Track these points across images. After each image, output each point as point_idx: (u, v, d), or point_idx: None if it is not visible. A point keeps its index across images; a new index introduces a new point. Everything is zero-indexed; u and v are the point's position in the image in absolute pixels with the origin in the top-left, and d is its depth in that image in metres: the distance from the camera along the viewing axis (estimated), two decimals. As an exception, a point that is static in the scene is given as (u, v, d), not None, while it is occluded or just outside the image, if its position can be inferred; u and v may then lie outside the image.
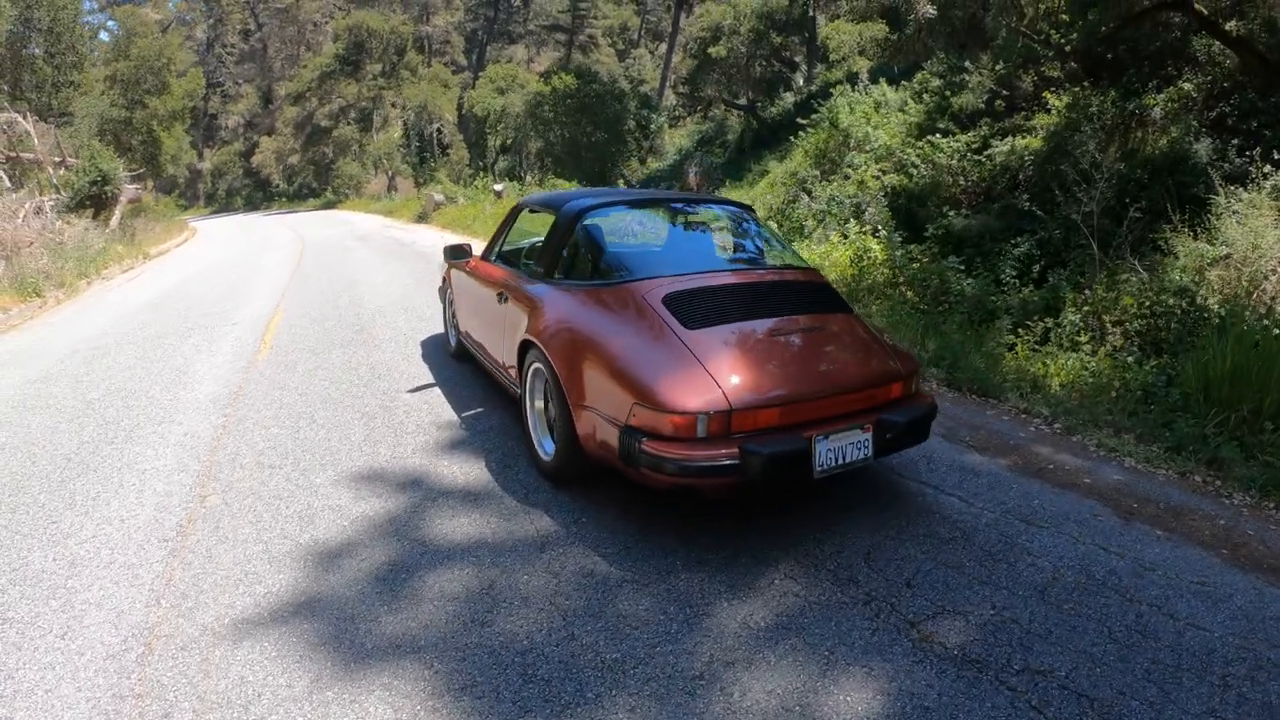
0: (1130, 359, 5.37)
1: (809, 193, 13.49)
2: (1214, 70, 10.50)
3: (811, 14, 21.71)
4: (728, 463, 2.69)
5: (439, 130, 38.92)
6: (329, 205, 37.84)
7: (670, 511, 3.32)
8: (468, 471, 3.80)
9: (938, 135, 13.60)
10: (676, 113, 29.52)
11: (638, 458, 2.77)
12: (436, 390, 5.11)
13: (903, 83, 15.79)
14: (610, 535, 3.18)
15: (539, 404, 3.74)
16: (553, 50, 46.34)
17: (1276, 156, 8.90)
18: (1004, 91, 13.40)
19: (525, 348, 3.69)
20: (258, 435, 4.49)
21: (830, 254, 9.01)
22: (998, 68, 13.24)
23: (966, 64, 13.70)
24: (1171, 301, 5.51)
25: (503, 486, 3.65)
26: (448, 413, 4.65)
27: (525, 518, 3.35)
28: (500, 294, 4.25)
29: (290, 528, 3.34)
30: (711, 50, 21.91)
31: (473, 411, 4.68)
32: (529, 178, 27.29)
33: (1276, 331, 4.23)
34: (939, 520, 3.45)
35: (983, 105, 13.66)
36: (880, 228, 9.31)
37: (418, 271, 11.29)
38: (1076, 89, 11.83)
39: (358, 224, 24.18)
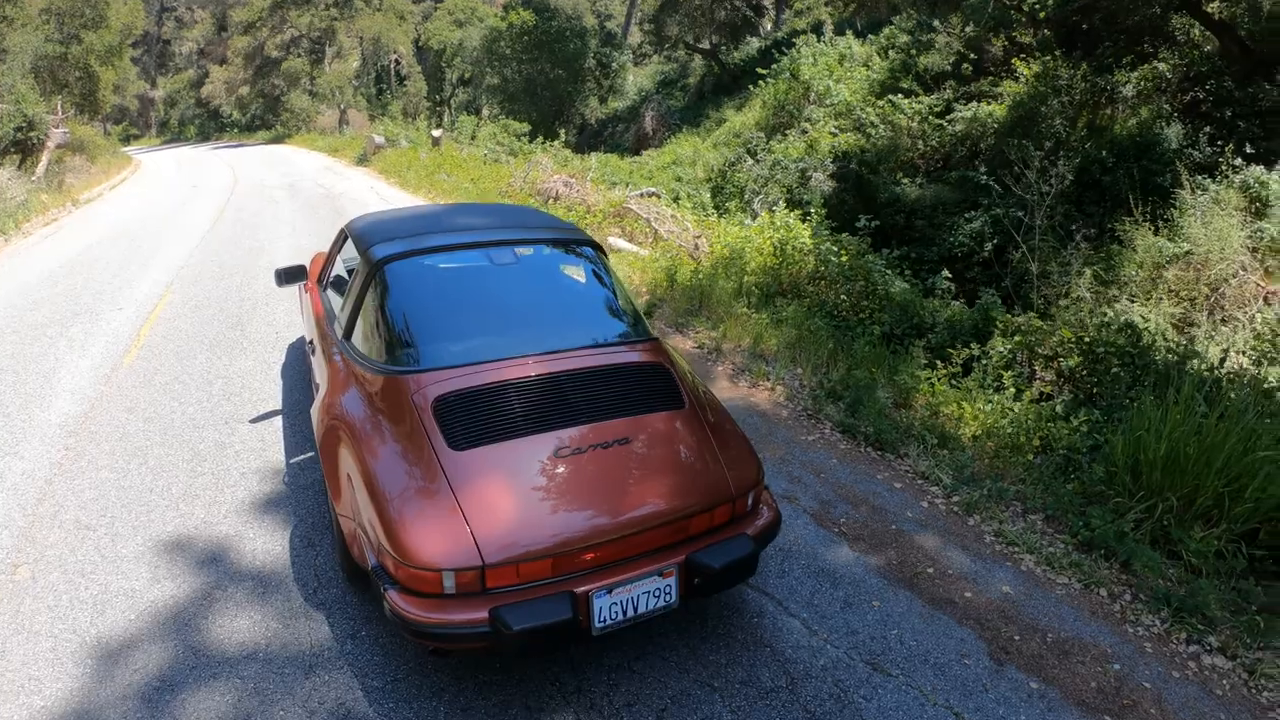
0: (1059, 407, 5.08)
1: (753, 154, 13.08)
2: (1192, 53, 10.38)
3: None
4: (474, 630, 2.51)
5: (396, 62, 40.41)
6: (278, 139, 39.51)
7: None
8: (270, 547, 3.77)
9: (900, 95, 13.33)
10: (642, 50, 30.72)
11: (383, 600, 2.64)
12: (278, 421, 5.07)
13: (869, 37, 15.61)
14: (383, 660, 3.04)
15: None
16: None
17: (1249, 150, 8.84)
18: (972, 55, 13.13)
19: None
20: (87, 480, 4.40)
21: (753, 239, 8.57)
22: (968, 29, 12.98)
23: (936, 23, 13.37)
24: (1120, 340, 5.23)
25: (297, 574, 3.58)
26: (278, 456, 4.63)
27: (305, 622, 3.26)
28: (312, 343, 4.23)
29: (82, 618, 3.31)
30: None
31: (303, 456, 4.59)
32: (485, 112, 28.46)
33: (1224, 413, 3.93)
34: (768, 659, 3.06)
35: (949, 67, 13.39)
36: (812, 211, 8.89)
37: (328, 235, 11.05)
38: (1047, 58, 11.60)
39: (296, 165, 24.38)
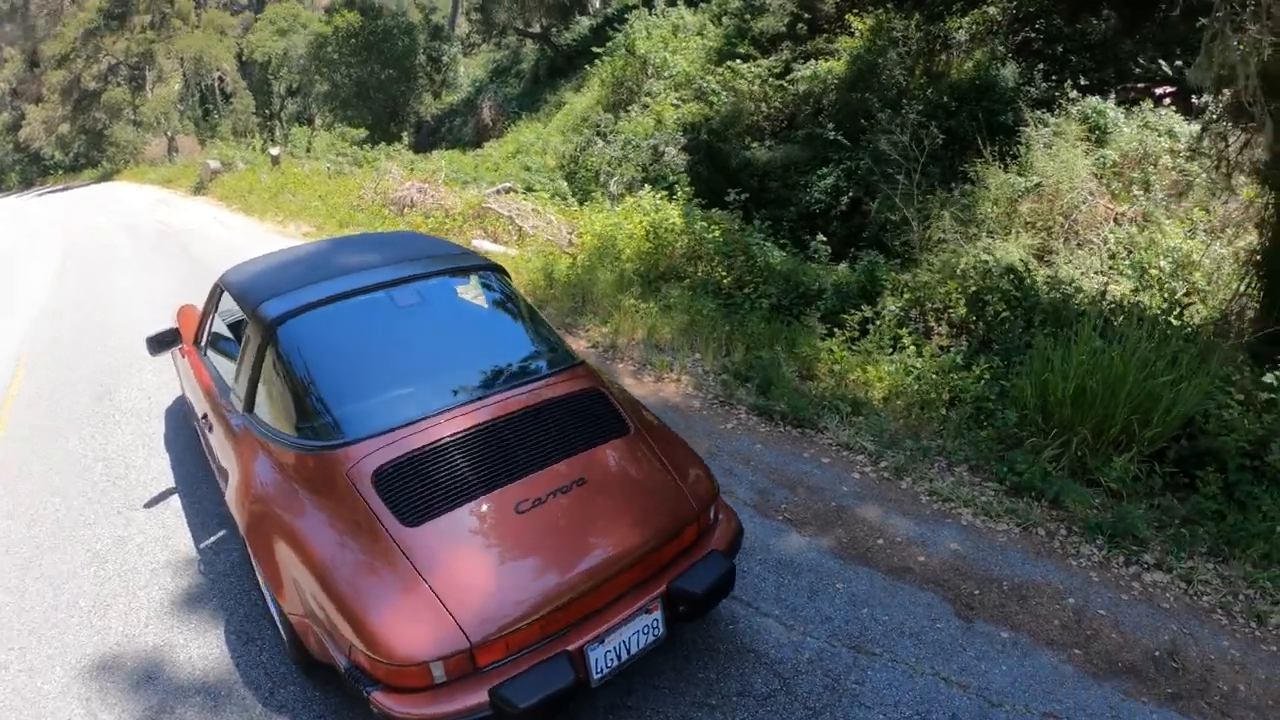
0: (958, 358, 5.41)
1: (603, 136, 13.12)
2: None
3: None
4: (477, 716, 2.41)
5: (220, 80, 39.85)
6: (106, 176, 38.31)
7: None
8: (207, 651, 3.44)
9: (738, 61, 13.75)
10: (471, 41, 31.13)
11: (368, 706, 2.48)
12: (175, 502, 4.67)
13: (701, 4, 16.01)
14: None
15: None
16: None
17: (1083, 82, 9.74)
18: (806, 14, 13.75)
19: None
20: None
21: (624, 225, 8.60)
22: None
23: None
24: (1004, 285, 5.62)
25: (245, 677, 3.27)
26: (185, 542, 4.27)
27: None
28: (206, 417, 3.93)
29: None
30: None
31: (212, 540, 4.25)
32: (318, 121, 28.34)
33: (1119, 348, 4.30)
34: (755, 664, 3.09)
35: (784, 28, 13.95)
36: (678, 188, 9.03)
37: (181, 275, 10.08)
38: (880, 10, 12.31)
39: (130, 203, 22.39)
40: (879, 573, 3.67)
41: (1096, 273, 7.98)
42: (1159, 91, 9.12)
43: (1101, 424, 4.32)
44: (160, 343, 4.51)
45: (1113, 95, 9.38)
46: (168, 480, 4.82)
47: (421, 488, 2.72)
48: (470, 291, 3.79)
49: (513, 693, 2.37)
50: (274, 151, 18.69)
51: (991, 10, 11.27)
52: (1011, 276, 5.86)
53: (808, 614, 3.39)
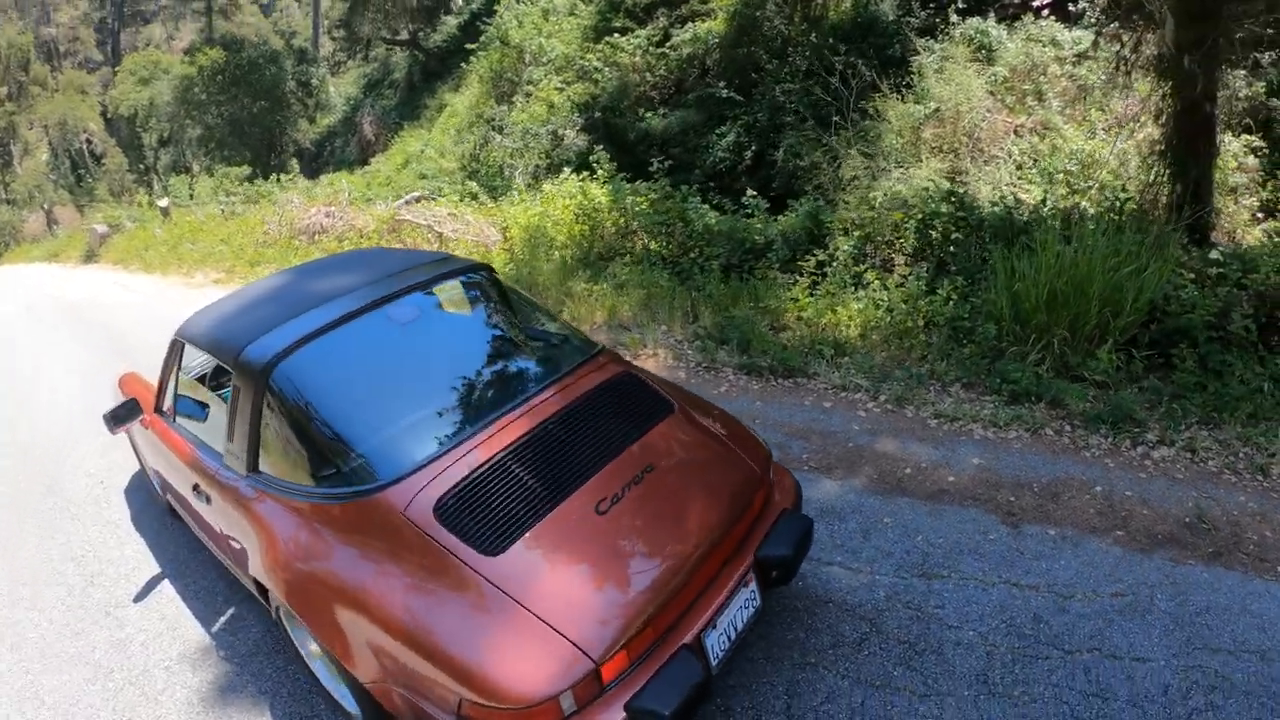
0: (922, 285, 5.66)
1: (500, 130, 12.94)
2: None
3: None
4: None
5: (88, 142, 39.35)
6: None
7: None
8: None
9: (616, 35, 13.75)
10: (337, 59, 30.93)
11: None
12: (168, 588, 4.29)
13: None
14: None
15: (314, 647, 3.10)
16: (192, 22, 48.23)
17: (962, 5, 10.17)
18: (678, -24, 13.89)
19: (262, 585, 3.06)
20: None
21: (549, 210, 8.56)
22: None
23: None
24: (946, 209, 5.89)
25: None
26: (192, 628, 3.92)
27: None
28: (197, 488, 3.56)
29: None
30: None
31: (224, 620, 3.91)
32: (195, 167, 27.51)
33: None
34: (838, 614, 3.22)
35: (657, -4, 14.07)
36: (598, 166, 9.03)
37: (97, 347, 9.12)
38: (754, -39, 12.54)
39: (20, 284, 20.03)
40: (919, 500, 3.86)
41: (1007, 185, 8.43)
42: (1037, 4, 9.60)
43: (1076, 322, 4.64)
44: (119, 418, 4.04)
45: (992, 14, 9.83)
46: (150, 567, 4.47)
47: (492, 511, 2.55)
48: (471, 300, 3.71)
49: (652, 702, 2.28)
50: (163, 204, 17.71)
51: (864, -54, 11.61)
52: (953, 199, 6.14)
53: (868, 554, 3.54)
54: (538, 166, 11.88)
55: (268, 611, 3.50)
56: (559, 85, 13.91)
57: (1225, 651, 2.82)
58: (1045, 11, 9.45)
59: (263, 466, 3.02)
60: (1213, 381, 4.21)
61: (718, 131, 12.41)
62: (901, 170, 9.02)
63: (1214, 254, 4.76)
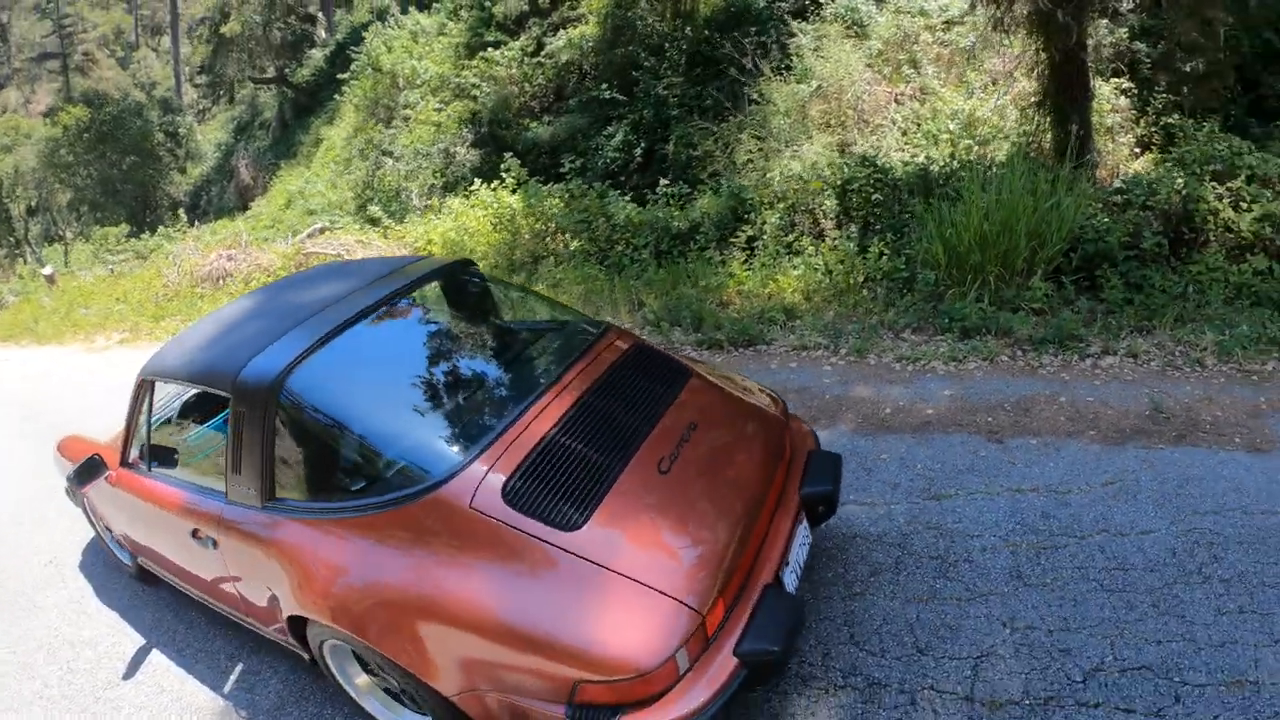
0: (851, 245, 6.02)
1: (391, 154, 12.74)
2: None
3: None
4: (735, 683, 2.28)
5: None
6: None
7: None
8: None
9: (490, 49, 13.78)
10: (202, 106, 30.65)
11: None
12: (159, 658, 3.89)
13: (434, 5, 15.82)
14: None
15: (362, 679, 2.98)
16: (49, 82, 46.91)
17: (829, -17, 10.76)
18: (546, -13, 14.04)
19: (302, 621, 2.84)
20: None
21: (466, 222, 8.54)
22: None
23: None
24: (863, 172, 6.26)
25: None
26: (205, 697, 3.56)
27: None
28: (196, 533, 3.24)
29: None
30: (224, 29, 23.11)
31: (236, 679, 3.60)
32: (69, 233, 26.78)
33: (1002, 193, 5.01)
34: (867, 545, 3.43)
35: (526, 6, 14.12)
36: (510, 172, 9.08)
37: (8, 432, 8.03)
38: (619, -38, 12.84)
39: None
40: (906, 434, 4.15)
41: (895, 151, 9.00)
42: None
43: (1007, 258, 5.08)
44: (84, 477, 3.62)
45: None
46: (131, 640, 4.08)
47: (560, 488, 2.51)
48: (467, 295, 3.73)
49: (760, 642, 2.31)
50: (47, 271, 16.50)
51: (725, -62, 12.08)
52: (867, 163, 6.54)
53: (876, 489, 3.78)
54: (433, 186, 11.79)
55: (297, 655, 3.30)
56: (437, 106, 13.84)
57: (1213, 513, 3.20)
58: (912, -19, 10.12)
59: (281, 493, 2.83)
60: (1136, 295, 4.71)
61: (605, 133, 12.63)
62: (794, 149, 9.46)
63: (1116, 184, 5.30)
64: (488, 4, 14.59)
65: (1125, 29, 7.15)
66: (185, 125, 29.26)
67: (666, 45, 12.12)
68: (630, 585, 2.29)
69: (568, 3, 13.83)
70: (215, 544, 3.09)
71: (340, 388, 2.97)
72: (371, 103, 14.43)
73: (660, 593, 2.28)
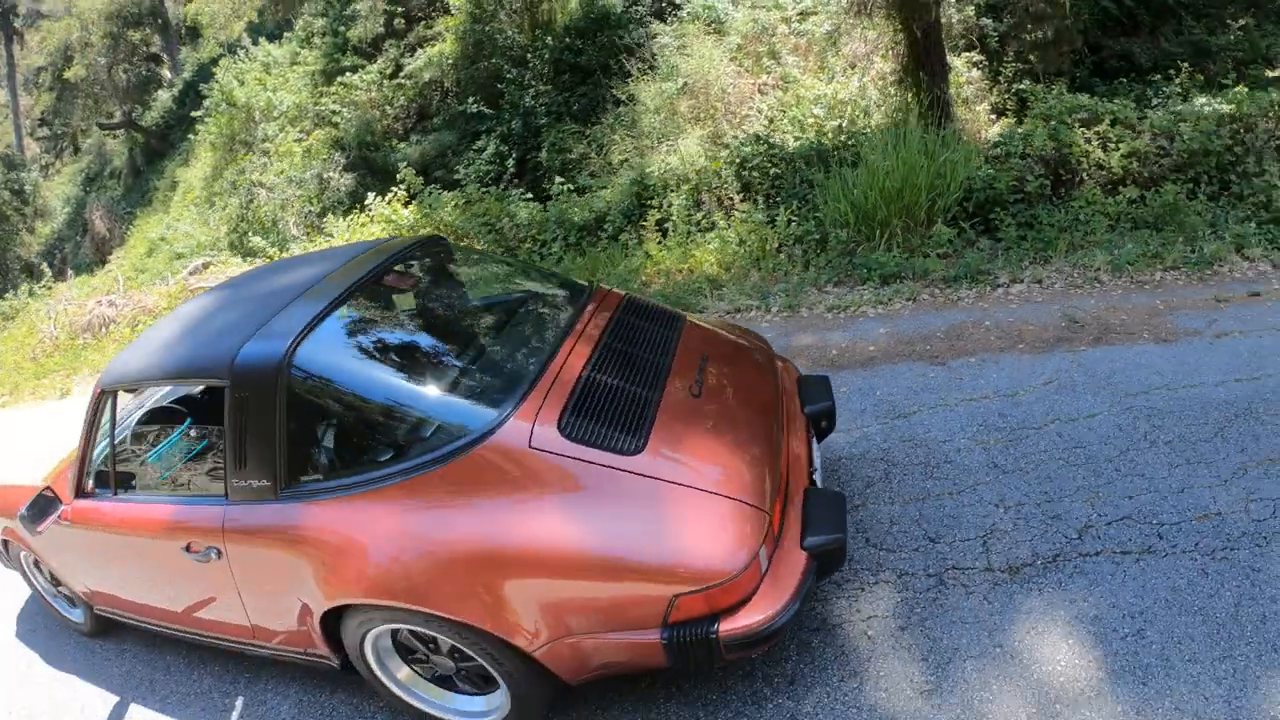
0: (760, 216, 6.39)
1: (263, 185, 12.24)
2: None
3: None
4: (811, 574, 2.42)
5: None
6: None
7: None
8: None
9: (348, 74, 13.50)
10: (45, 160, 28.45)
11: (716, 651, 2.32)
12: (141, 713, 3.51)
13: (285, 35, 15.30)
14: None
15: (404, 672, 2.84)
16: None
17: (686, -16, 11.25)
18: (399, 8, 13.81)
19: (337, 614, 2.70)
20: None
21: (361, 237, 8.37)
22: None
23: None
24: (758, 150, 6.67)
25: None
26: None
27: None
28: (191, 547, 2.97)
29: None
30: (68, 74, 21.94)
31: (239, 713, 3.34)
32: None
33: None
34: (854, 464, 3.68)
35: (382, 28, 13.89)
36: (404, 183, 8.98)
37: None
38: (469, -20, 12.89)
39: None
40: (857, 369, 4.48)
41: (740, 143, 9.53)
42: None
43: (909, 211, 5.56)
44: (39, 514, 3.25)
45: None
46: (101, 701, 3.62)
47: (611, 419, 2.55)
48: (451, 267, 3.77)
49: (823, 532, 2.45)
50: None
51: (577, -54, 12.39)
52: (759, 142, 6.96)
53: (847, 416, 4.05)
54: (310, 212, 11.43)
55: (307, 672, 3.21)
56: (298, 136, 13.43)
57: (1142, 393, 3.69)
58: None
59: (299, 477, 2.70)
60: (1029, 232, 5.31)
61: (476, 147, 12.62)
62: (669, 144, 9.84)
63: (993, 136, 5.94)
64: (342, 29, 14.31)
65: (972, 6, 7.96)
66: (31, 181, 27.01)
67: (529, 56, 12.26)
68: (703, 496, 2.37)
69: (424, 22, 13.76)
70: (219, 554, 2.86)
71: (350, 359, 2.93)
72: (228, 139, 13.86)
73: (731, 498, 2.38)
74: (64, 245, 23.74)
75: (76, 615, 4.01)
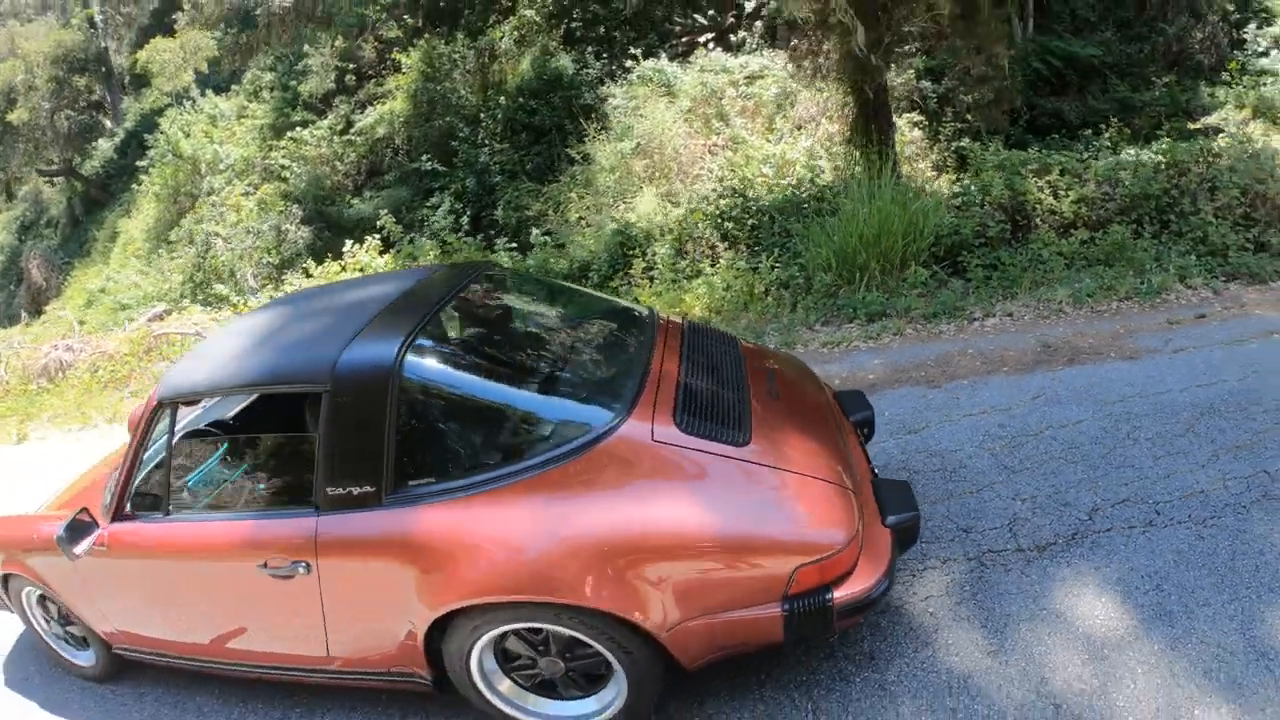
0: (742, 263, 7.00)
1: (221, 236, 12.33)
2: None
3: (104, 44, 21.99)
4: (895, 548, 2.79)
5: None
6: None
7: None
8: None
9: (298, 129, 13.82)
10: None
11: (830, 620, 2.61)
12: None
13: (232, 88, 15.55)
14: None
15: (506, 684, 2.91)
16: None
17: (633, 50, 12.01)
18: (351, 65, 14.24)
19: (441, 628, 2.78)
20: None
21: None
22: (337, 43, 13.95)
23: (306, 48, 13.99)
24: (731, 202, 7.31)
25: None
26: None
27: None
28: (269, 563, 2.90)
29: None
30: (10, 116, 21.62)
31: None
32: None
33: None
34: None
35: (333, 85, 14.28)
36: (383, 230, 9.29)
37: None
38: (422, 42, 13.39)
39: None
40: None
41: (713, 195, 10.18)
42: (703, 39, 11.72)
43: (886, 255, 6.23)
44: (78, 534, 3.10)
45: (664, 54, 11.78)
46: None
47: (715, 416, 2.80)
48: (516, 288, 4.01)
49: (901, 510, 2.81)
50: None
51: (528, 13, 13.08)
52: (734, 195, 7.62)
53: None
54: (268, 263, 11.57)
55: (370, 698, 3.22)
56: (246, 190, 13.58)
57: (1119, 401, 4.33)
58: (711, 45, 11.62)
59: (408, 482, 2.74)
60: (994, 272, 6.03)
61: (429, 204, 12.97)
62: (626, 202, 10.43)
63: (956, 188, 6.72)
64: (293, 83, 14.64)
65: (911, 70, 8.89)
66: (-39, 226, 26.46)
67: (482, 115, 12.77)
68: (807, 479, 2.67)
69: (375, 79, 14.21)
70: (309, 568, 2.82)
71: (455, 366, 3.14)
72: (173, 190, 13.96)
73: (829, 481, 2.70)
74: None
75: (84, 658, 3.83)
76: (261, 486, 3.60)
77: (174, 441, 3.25)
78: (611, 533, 2.57)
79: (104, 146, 23.21)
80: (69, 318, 11.47)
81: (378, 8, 13.73)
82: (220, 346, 3.34)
